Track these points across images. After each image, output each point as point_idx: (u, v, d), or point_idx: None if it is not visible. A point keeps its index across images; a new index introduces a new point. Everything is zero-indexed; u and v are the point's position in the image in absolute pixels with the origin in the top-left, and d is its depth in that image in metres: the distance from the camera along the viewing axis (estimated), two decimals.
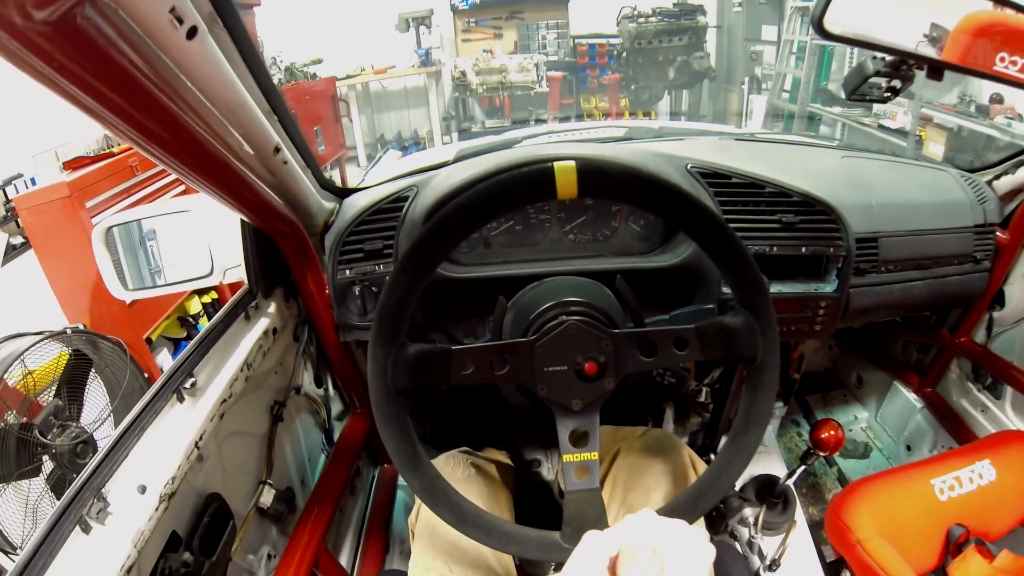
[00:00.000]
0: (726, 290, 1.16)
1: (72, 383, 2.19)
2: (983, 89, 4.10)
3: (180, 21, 0.61)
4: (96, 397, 2.29)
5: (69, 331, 2.25)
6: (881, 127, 4.90)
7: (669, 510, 0.81)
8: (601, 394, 0.82)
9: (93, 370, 2.29)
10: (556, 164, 0.73)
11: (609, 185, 0.75)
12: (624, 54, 6.92)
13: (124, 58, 0.56)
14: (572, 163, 0.73)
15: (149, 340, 2.88)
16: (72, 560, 0.73)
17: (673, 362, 0.81)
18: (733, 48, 7.30)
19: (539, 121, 6.62)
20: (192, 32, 0.63)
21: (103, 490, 0.81)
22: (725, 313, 0.83)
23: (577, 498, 0.80)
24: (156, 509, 0.83)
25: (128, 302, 2.63)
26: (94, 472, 0.82)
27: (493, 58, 6.88)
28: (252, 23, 5.17)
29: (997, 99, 3.98)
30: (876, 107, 4.95)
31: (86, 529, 0.76)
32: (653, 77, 6.98)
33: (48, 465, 2.05)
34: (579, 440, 0.83)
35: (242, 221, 1.13)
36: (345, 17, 6.71)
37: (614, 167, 0.74)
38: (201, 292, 3.22)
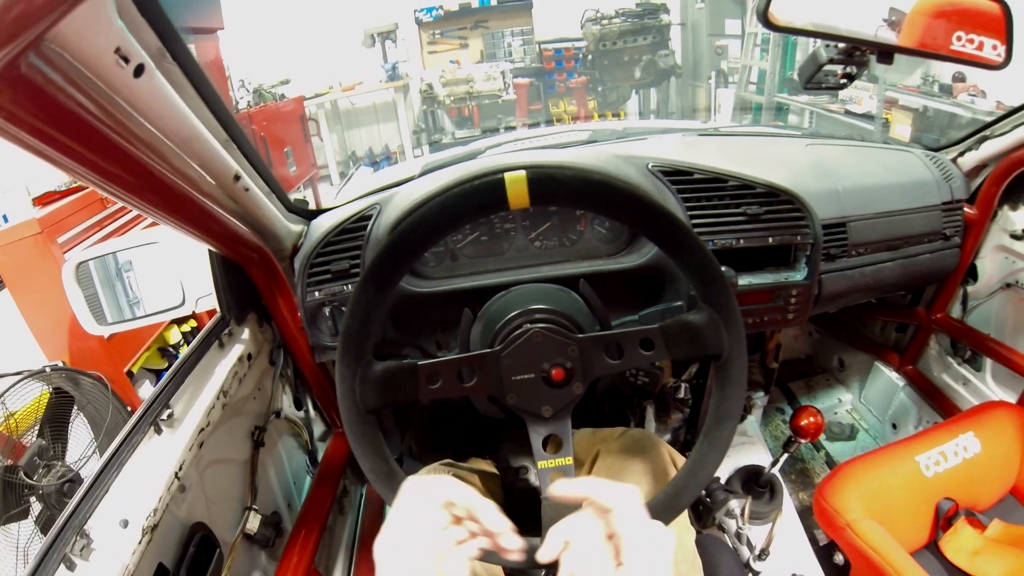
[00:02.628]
0: None
1: (55, 422, 2.16)
2: (946, 69, 4.16)
3: (126, 60, 0.61)
4: (80, 434, 2.26)
5: (48, 369, 2.22)
6: (848, 112, 4.96)
7: (647, 510, 0.82)
8: (571, 399, 0.82)
9: (75, 407, 2.26)
10: (506, 175, 0.73)
11: (560, 192, 0.75)
12: (590, 56, 6.99)
13: (73, 102, 0.56)
14: (522, 173, 0.73)
15: (130, 373, 2.85)
16: None
17: (640, 362, 0.81)
18: (698, 44, 7.36)
19: (509, 129, 6.63)
20: (139, 70, 0.63)
21: (85, 526, 0.80)
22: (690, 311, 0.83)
23: (555, 504, 0.80)
24: (140, 542, 0.82)
25: (106, 336, 2.61)
26: (76, 509, 0.82)
27: (459, 68, 6.89)
28: (216, 47, 5.14)
29: (960, 77, 4.04)
30: (842, 93, 5.02)
31: (71, 566, 0.76)
32: (620, 78, 7.06)
33: (36, 506, 2.01)
34: (552, 446, 0.83)
35: (209, 250, 1.12)
36: (310, 36, 6.71)
37: (564, 174, 0.74)
38: (180, 321, 3.19)
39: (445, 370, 0.81)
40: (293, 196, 1.32)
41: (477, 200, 0.75)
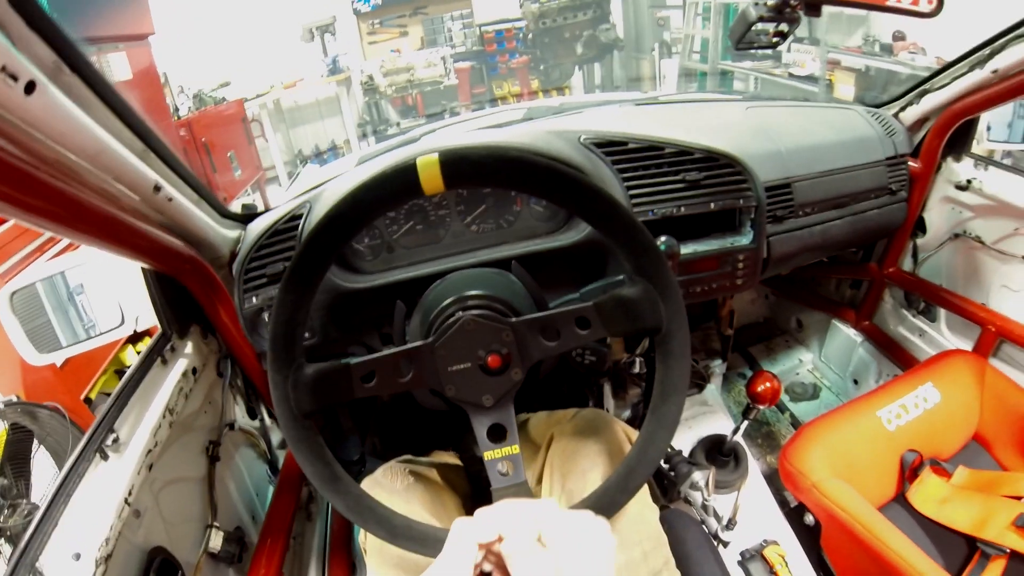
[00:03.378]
0: None
1: (16, 458, 2.11)
2: (886, 28, 4.22)
3: (14, 78, 0.57)
4: (44, 468, 2.19)
5: (2, 405, 2.15)
6: (791, 76, 5.01)
7: (601, 492, 0.81)
8: (510, 386, 0.80)
9: (35, 440, 2.19)
10: (419, 160, 0.71)
11: (474, 172, 0.73)
12: (530, 35, 6.97)
13: None
14: (435, 156, 0.71)
15: (88, 399, 2.76)
16: None
17: (579, 342, 0.79)
18: (640, 16, 7.37)
19: (454, 114, 6.57)
20: (30, 87, 0.60)
21: (37, 564, 0.78)
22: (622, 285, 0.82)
23: (505, 494, 0.78)
24: (93, 574, 0.80)
25: (59, 364, 2.53)
26: (27, 546, 0.80)
27: (400, 57, 6.84)
28: (148, 53, 4.97)
29: (900, 36, 4.10)
30: (785, 57, 5.08)
31: None
32: (561, 55, 7.05)
33: (6, 548, 1.95)
34: (497, 435, 0.81)
35: (142, 267, 1.08)
36: (248, 35, 6.56)
37: (477, 153, 0.72)
38: (135, 339, 3.10)
39: (380, 366, 0.79)
40: (241, 201, 1.28)
41: (390, 188, 0.73)
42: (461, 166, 0.71)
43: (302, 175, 2.63)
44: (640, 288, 0.76)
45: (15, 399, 2.28)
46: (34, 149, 0.65)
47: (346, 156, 6.05)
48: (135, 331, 1.21)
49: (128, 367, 3.02)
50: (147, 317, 1.19)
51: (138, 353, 3.08)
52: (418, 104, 7.10)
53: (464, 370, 0.79)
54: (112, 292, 1.18)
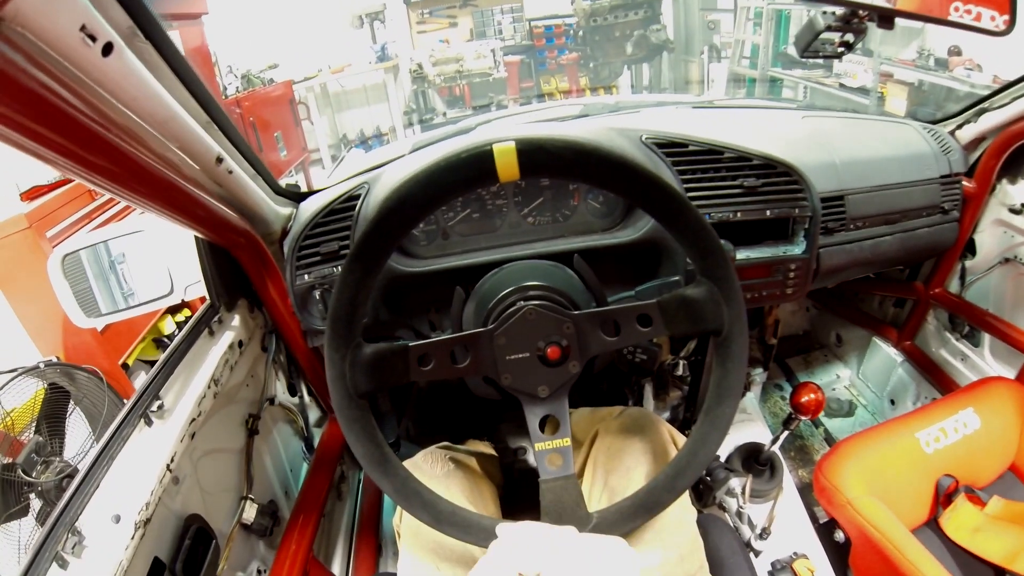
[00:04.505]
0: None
1: (52, 417, 2.16)
2: (941, 42, 4.12)
3: (93, 39, 0.59)
4: (78, 429, 2.26)
5: (43, 365, 2.21)
6: (842, 86, 4.90)
7: (648, 491, 0.80)
8: (567, 378, 0.80)
9: (72, 402, 2.25)
10: (495, 146, 0.70)
11: (551, 163, 0.72)
12: (581, 33, 6.90)
13: (37, 83, 0.54)
14: (511, 144, 0.70)
15: (125, 365, 2.83)
16: None
17: (638, 339, 0.79)
18: (690, 19, 7.29)
19: (500, 107, 6.56)
20: (108, 48, 0.61)
21: (77, 523, 0.79)
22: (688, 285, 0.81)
23: (552, 487, 0.78)
24: (132, 537, 0.81)
25: (99, 329, 2.59)
26: (66, 506, 0.81)
27: (449, 47, 6.83)
28: (201, 33, 5.06)
29: (955, 51, 3.99)
30: (836, 67, 4.98)
31: (63, 565, 0.75)
32: (611, 53, 6.95)
33: (36, 503, 2.01)
34: (549, 427, 0.81)
35: (196, 237, 1.10)
36: (298, 19, 6.60)
37: (555, 144, 0.71)
38: (174, 311, 3.18)
39: (437, 351, 0.80)
40: (285, 181, 1.30)
41: (465, 173, 0.72)
42: (538, 156, 0.71)
43: (347, 159, 2.65)
44: (705, 289, 0.76)
45: (55, 360, 2.34)
46: (105, 112, 0.66)
47: (393, 143, 6.10)
48: (183, 300, 1.23)
49: (166, 336, 3.12)
50: (195, 288, 1.21)
51: (177, 324, 3.17)
52: (465, 95, 7.09)
53: (522, 360, 0.80)
54: (163, 261, 1.20)
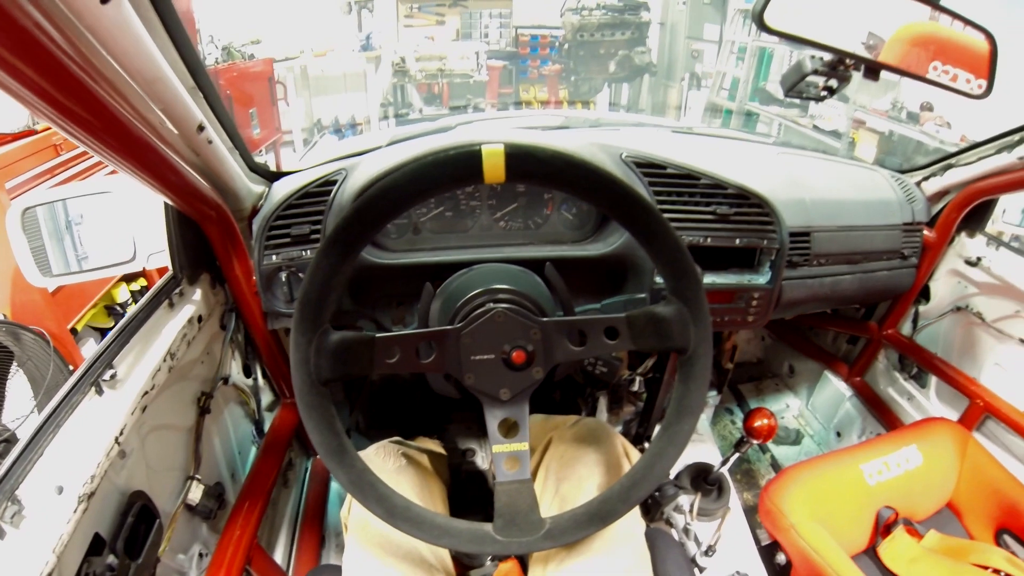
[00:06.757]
0: (659, 280, 1.16)
1: None
2: (914, 97, 4.28)
3: None
4: (18, 392, 2.15)
5: None
6: (816, 128, 5.08)
7: (602, 500, 0.81)
8: (530, 383, 0.81)
9: (15, 363, 2.15)
10: (484, 148, 0.71)
11: (538, 170, 0.73)
12: (566, 46, 7.02)
13: (31, 22, 0.52)
14: (500, 147, 0.71)
15: (74, 330, 2.72)
16: None
17: (603, 351, 0.80)
18: (675, 45, 7.47)
19: (477, 109, 6.61)
20: None
21: (16, 492, 0.75)
22: (657, 303, 0.83)
23: (508, 489, 0.79)
24: (75, 511, 0.78)
25: (50, 289, 2.49)
26: (7, 473, 0.77)
27: (434, 45, 6.85)
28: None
29: (927, 107, 4.16)
30: (812, 108, 5.14)
31: (0, 535, 0.71)
32: (594, 69, 7.10)
33: None
34: (509, 430, 0.82)
35: (165, 204, 1.07)
36: None
37: (544, 152, 0.72)
38: (129, 279, 3.07)
39: (403, 344, 0.79)
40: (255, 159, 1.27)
41: (452, 170, 0.72)
42: (527, 162, 0.72)
43: (320, 144, 2.62)
44: (675, 308, 0.78)
45: (1, 317, 2.24)
46: (92, 61, 0.64)
47: (367, 134, 6.03)
48: (144, 269, 1.19)
49: (118, 304, 3.01)
50: (158, 258, 1.17)
51: (131, 292, 3.06)
52: (444, 94, 7.07)
53: (486, 361, 0.80)
54: (128, 226, 1.17)
